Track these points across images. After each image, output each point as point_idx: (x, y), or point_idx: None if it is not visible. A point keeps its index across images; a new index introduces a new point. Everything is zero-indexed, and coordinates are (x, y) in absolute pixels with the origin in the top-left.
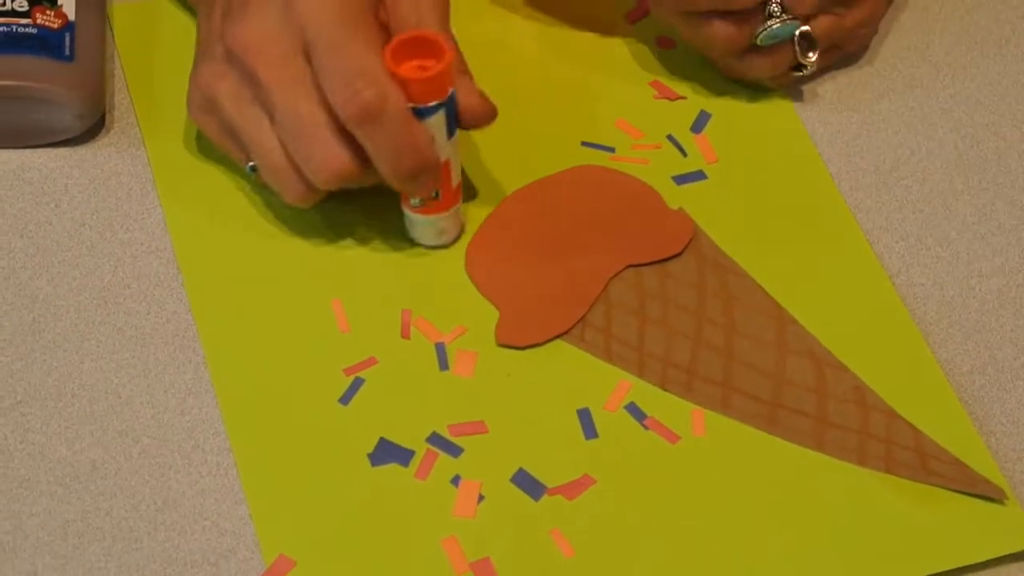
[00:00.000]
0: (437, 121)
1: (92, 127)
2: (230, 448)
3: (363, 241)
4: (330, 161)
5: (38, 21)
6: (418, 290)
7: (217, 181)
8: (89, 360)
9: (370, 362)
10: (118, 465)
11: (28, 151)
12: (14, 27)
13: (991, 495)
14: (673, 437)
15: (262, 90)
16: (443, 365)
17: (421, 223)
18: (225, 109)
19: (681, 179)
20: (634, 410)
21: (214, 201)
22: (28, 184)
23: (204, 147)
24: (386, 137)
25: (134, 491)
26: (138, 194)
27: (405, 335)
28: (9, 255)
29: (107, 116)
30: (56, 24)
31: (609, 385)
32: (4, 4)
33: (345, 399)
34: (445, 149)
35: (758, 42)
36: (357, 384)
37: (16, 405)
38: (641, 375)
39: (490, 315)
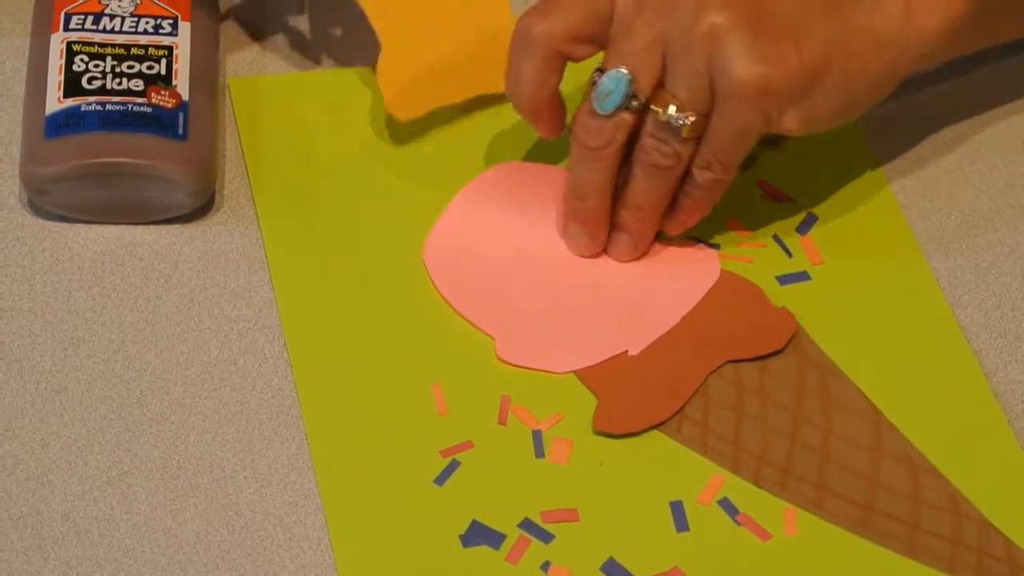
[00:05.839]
0: None
1: (203, 205)
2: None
3: (466, 328)
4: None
5: (153, 100)
6: (518, 377)
7: (328, 261)
8: (195, 433)
9: (467, 446)
10: (221, 537)
11: (140, 227)
12: (130, 106)
13: None
14: (765, 535)
15: None
16: (539, 452)
17: None
18: None
19: (785, 279)
20: (727, 505)
21: (324, 280)
22: (139, 260)
23: (317, 226)
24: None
25: (236, 564)
26: (246, 272)
27: (502, 421)
28: (119, 328)
29: (217, 195)
30: (170, 104)
31: (703, 479)
32: (121, 83)
33: (440, 480)
34: None
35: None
36: (453, 466)
37: (123, 476)
38: (736, 471)
39: (587, 403)
